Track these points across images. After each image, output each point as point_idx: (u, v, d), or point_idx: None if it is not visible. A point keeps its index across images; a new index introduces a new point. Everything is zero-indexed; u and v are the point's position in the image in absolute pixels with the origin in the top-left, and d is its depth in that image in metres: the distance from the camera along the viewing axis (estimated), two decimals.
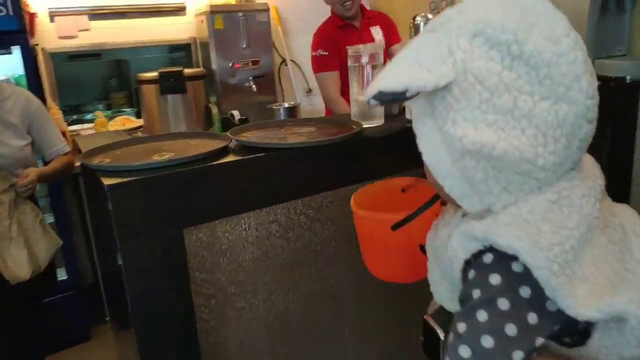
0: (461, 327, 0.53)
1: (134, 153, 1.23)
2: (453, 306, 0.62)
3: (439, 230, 0.68)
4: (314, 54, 2.43)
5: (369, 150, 1.27)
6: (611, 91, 1.86)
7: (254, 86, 3.02)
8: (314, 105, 3.58)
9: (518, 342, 0.51)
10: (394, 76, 0.52)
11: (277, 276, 1.27)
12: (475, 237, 0.55)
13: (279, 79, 3.49)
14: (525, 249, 0.51)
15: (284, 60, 3.48)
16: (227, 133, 1.27)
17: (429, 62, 0.52)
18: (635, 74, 1.83)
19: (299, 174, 1.19)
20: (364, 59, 1.30)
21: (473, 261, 0.56)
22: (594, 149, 0.61)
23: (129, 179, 1.00)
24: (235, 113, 2.81)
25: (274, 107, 2.71)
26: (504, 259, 0.53)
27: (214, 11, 2.90)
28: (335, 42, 2.35)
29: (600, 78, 0.56)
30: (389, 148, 1.29)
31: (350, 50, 1.31)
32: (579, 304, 0.51)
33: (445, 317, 0.62)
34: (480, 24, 0.52)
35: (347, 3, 2.34)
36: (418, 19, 1.47)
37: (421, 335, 0.65)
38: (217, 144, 1.21)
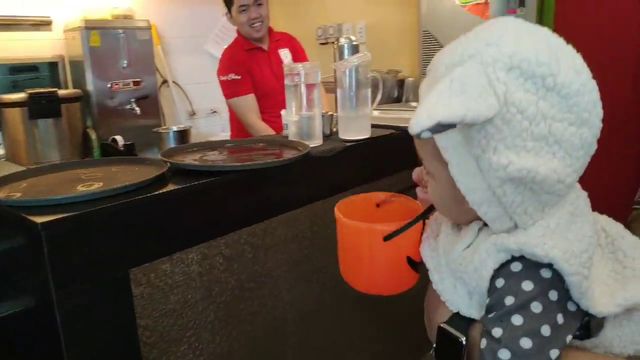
0: (497, 332, 0.57)
1: (49, 184, 1.04)
2: (470, 312, 0.65)
3: (438, 242, 0.70)
4: (224, 78, 2.28)
5: (317, 170, 1.22)
6: None
7: (137, 109, 2.78)
8: (198, 129, 3.42)
9: (553, 341, 0.56)
10: (449, 107, 0.52)
11: (221, 314, 1.15)
12: (507, 249, 0.59)
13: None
14: (562, 257, 0.56)
15: (164, 82, 3.28)
16: (160, 157, 1.13)
17: (475, 94, 0.53)
18: None
19: (252, 198, 1.10)
20: (301, 78, 1.26)
21: (499, 270, 0.60)
22: None
23: (64, 215, 0.83)
24: (119, 138, 2.56)
25: (161, 131, 2.52)
26: (533, 267, 0.58)
27: (89, 27, 2.63)
28: (245, 65, 2.26)
29: None
30: (335, 167, 1.26)
31: (287, 69, 1.27)
32: (599, 303, 0.58)
33: (461, 324, 0.65)
34: (516, 57, 0.55)
35: (256, 24, 2.25)
36: (342, 40, 1.47)
37: (434, 343, 0.67)
38: (151, 170, 1.07)
